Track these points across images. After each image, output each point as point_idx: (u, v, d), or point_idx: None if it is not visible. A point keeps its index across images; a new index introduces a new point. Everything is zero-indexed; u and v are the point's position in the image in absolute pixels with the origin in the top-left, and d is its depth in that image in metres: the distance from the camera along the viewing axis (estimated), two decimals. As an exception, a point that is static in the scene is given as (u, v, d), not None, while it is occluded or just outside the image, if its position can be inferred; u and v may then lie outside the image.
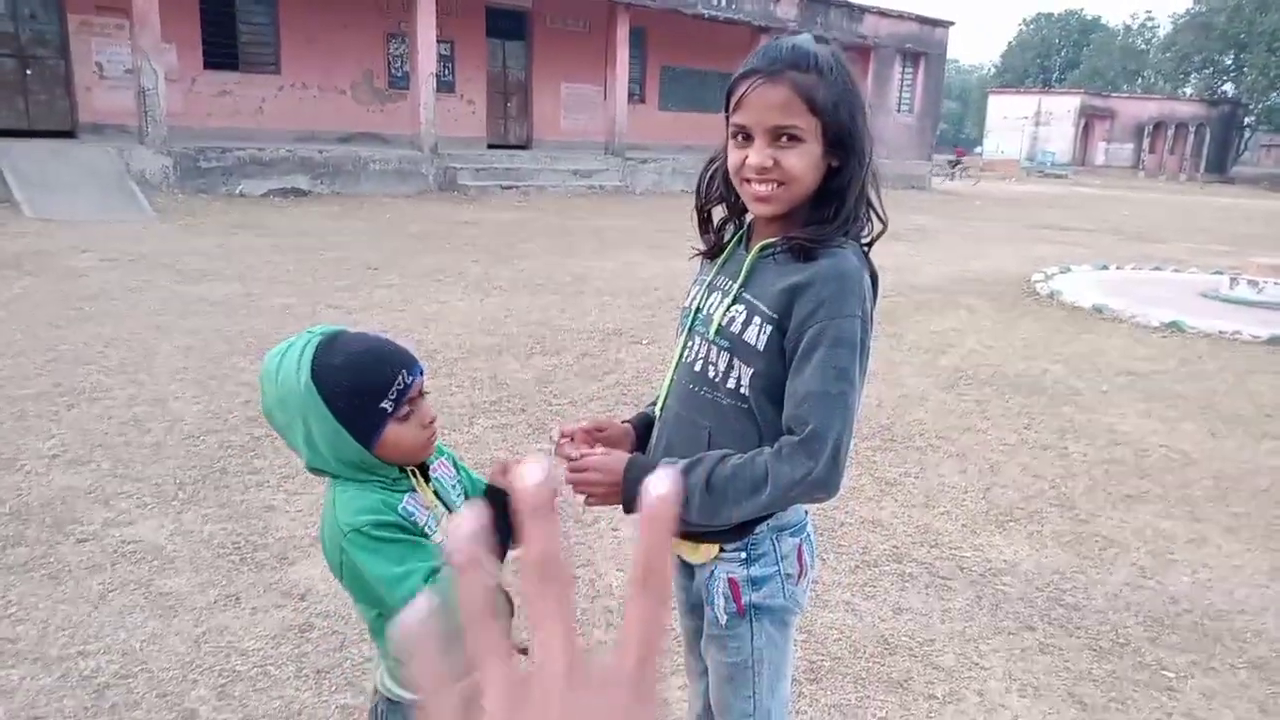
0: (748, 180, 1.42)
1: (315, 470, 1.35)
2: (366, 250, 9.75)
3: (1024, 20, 78.64)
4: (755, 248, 1.46)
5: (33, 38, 14.51)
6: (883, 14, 24.90)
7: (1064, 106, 48.94)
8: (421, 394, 1.36)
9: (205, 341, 5.80)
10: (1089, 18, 74.84)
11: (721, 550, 1.50)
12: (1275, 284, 8.96)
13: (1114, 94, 51.92)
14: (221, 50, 16.27)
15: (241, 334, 6.02)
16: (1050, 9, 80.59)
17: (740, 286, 1.45)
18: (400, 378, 1.31)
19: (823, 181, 1.41)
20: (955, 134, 73.99)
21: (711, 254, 1.59)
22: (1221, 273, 10.19)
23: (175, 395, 4.75)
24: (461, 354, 5.81)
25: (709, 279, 1.55)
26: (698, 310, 1.53)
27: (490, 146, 19.67)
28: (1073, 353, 6.76)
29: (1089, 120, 48.54)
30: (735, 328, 1.44)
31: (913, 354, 6.47)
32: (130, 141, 13.43)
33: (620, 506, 1.45)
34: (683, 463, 1.42)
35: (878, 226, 1.48)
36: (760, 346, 1.41)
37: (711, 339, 1.47)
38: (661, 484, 0.36)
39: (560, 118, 21.43)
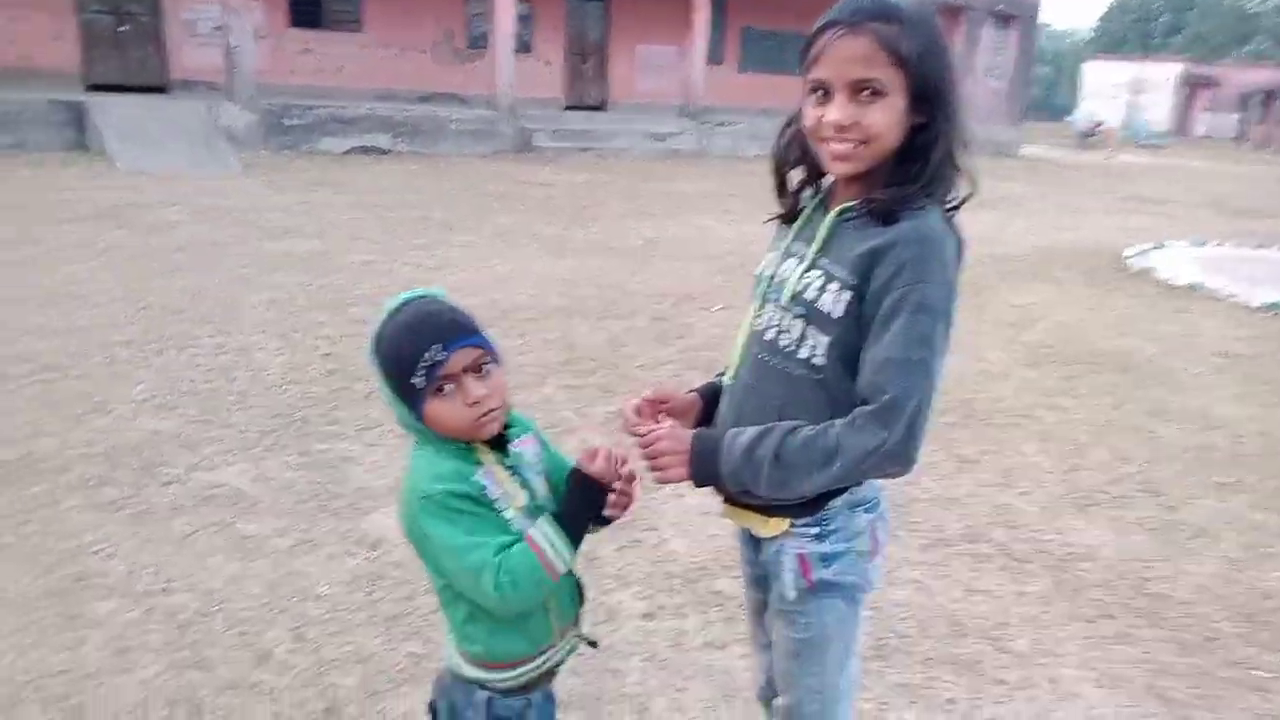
0: (825, 139, 1.35)
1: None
2: (443, 209, 9.85)
3: (1122, -17, 74.78)
4: (833, 211, 1.40)
5: (129, -6, 14.93)
6: (975, -26, 23.92)
7: (1164, 74, 46.58)
8: (473, 370, 1.27)
9: (288, 295, 5.94)
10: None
11: (792, 525, 1.45)
12: (1392, 266, 8.41)
13: (1219, 61, 49.15)
14: (306, 8, 16.52)
15: (322, 289, 6.15)
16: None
17: (817, 252, 1.39)
18: (430, 353, 1.23)
19: (906, 139, 1.34)
20: (1047, 100, 71.11)
21: (788, 218, 1.53)
22: None
23: (259, 346, 4.88)
24: (534, 315, 5.84)
25: (785, 244, 1.49)
26: (771, 277, 1.48)
27: (567, 108, 19.64)
28: (1166, 331, 6.46)
29: (1192, 89, 46.11)
30: (810, 294, 1.37)
31: (996, 327, 6.26)
32: (218, 98, 13.78)
33: (689, 482, 1.41)
34: (751, 433, 1.37)
35: (966, 189, 1.39)
36: (837, 314, 1.34)
37: (785, 306, 1.41)
38: None
39: (636, 79, 21.24)
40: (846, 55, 1.29)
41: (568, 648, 1.46)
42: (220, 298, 5.78)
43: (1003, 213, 12.75)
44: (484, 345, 1.29)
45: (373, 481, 3.38)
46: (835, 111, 1.31)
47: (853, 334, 1.34)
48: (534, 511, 1.34)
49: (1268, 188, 20.73)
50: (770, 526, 1.47)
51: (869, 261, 1.31)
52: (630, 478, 1.40)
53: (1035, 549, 3.24)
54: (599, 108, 20.48)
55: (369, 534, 3.01)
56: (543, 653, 1.41)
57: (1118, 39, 67.84)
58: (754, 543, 1.56)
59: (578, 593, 1.47)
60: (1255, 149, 40.85)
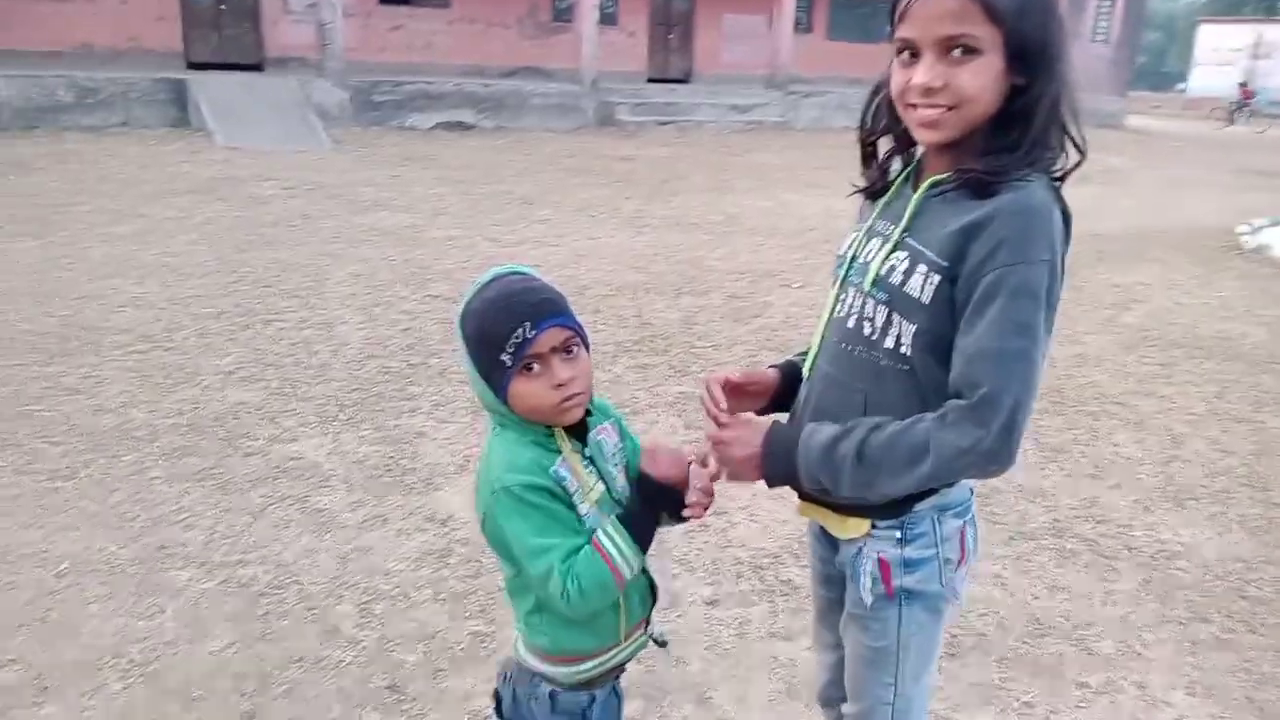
0: (912, 104, 1.22)
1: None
2: (525, 185, 9.90)
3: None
4: (923, 184, 1.27)
5: (228, -26, 15.38)
6: (1082, -67, 22.74)
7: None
8: (561, 351, 1.23)
9: (372, 269, 6.06)
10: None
11: (874, 526, 1.34)
12: None
13: (1354, 21, 45.63)
14: (393, -15, 16.73)
15: (406, 263, 6.25)
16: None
17: (903, 230, 1.26)
18: (520, 330, 1.19)
19: (1004, 103, 1.20)
20: (1155, 68, 67.39)
21: (874, 193, 1.40)
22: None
23: (342, 320, 4.99)
24: (609, 291, 5.82)
25: (868, 222, 1.36)
26: (853, 258, 1.35)
27: (650, 80, 19.48)
28: (1277, 315, 6.05)
29: (1318, 51, 42.93)
30: (895, 278, 1.24)
31: (1093, 309, 5.97)
32: (311, 74, 14.12)
33: (761, 481, 1.33)
34: (830, 430, 1.26)
35: (1074, 157, 1.24)
36: (925, 299, 1.21)
37: (867, 291, 1.29)
38: None
39: (722, 50, 20.90)
40: (935, 10, 1.17)
41: (635, 645, 1.42)
42: (308, 271, 5.93)
43: (1105, 187, 12.14)
44: (572, 326, 1.24)
45: (444, 458, 3.41)
46: (922, 73, 1.19)
47: (943, 321, 1.21)
48: (610, 505, 1.30)
49: (1403, 158, 19.22)
50: (849, 527, 1.37)
51: (962, 239, 1.18)
52: (710, 479, 1.33)
53: (1125, 545, 3.07)
54: (683, 80, 20.26)
55: (439, 510, 3.04)
56: (609, 650, 1.38)
57: (1237, 1, 63.64)
58: (829, 540, 1.46)
59: (650, 592, 1.43)
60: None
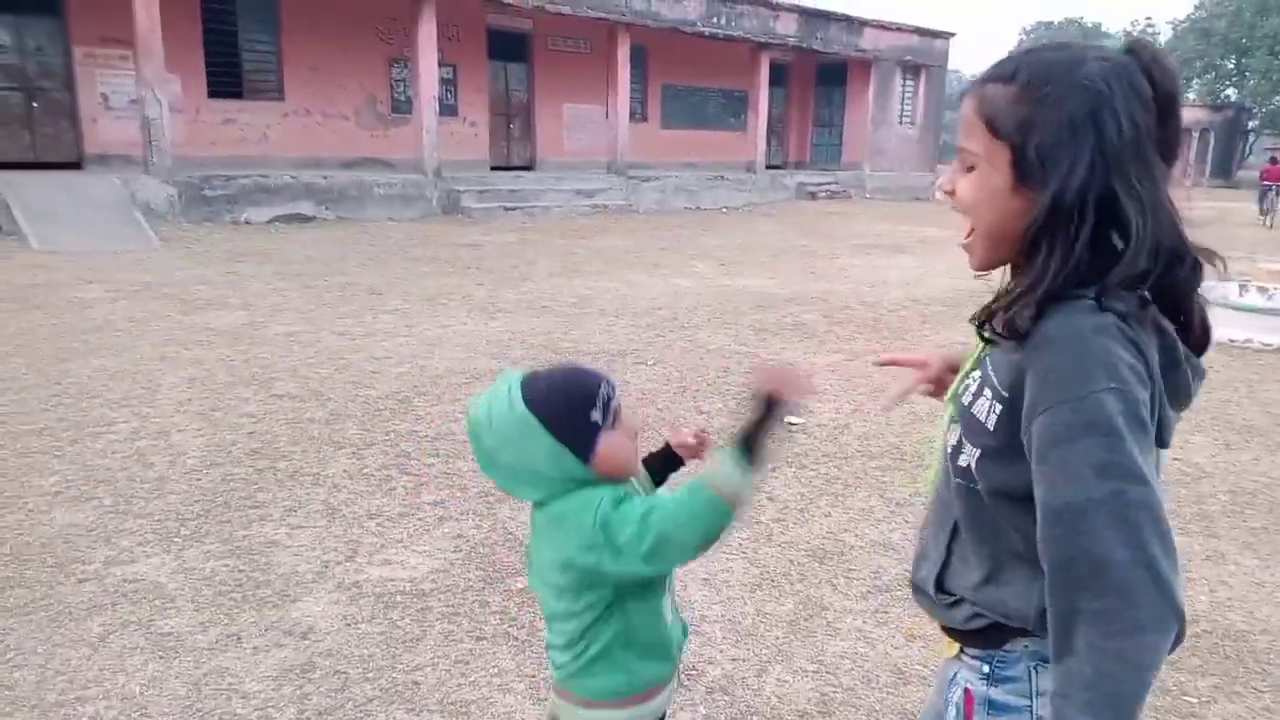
0: None
1: (542, 505, 1.42)
2: (371, 275, 9.76)
3: (1024, 29, 78.81)
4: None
5: (39, 70, 14.63)
6: (883, 27, 24.97)
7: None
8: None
9: (209, 372, 5.79)
10: (1089, 25, 74.94)
11: (962, 651, 1.22)
12: (1286, 290, 8.87)
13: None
14: (225, 79, 16.39)
15: (246, 363, 6.00)
16: (1050, 17, 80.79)
17: (983, 349, 1.21)
18: (604, 388, 1.38)
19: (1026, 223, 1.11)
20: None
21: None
22: (1230, 279, 10.09)
23: (179, 428, 4.73)
24: (465, 378, 5.79)
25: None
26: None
27: (494, 168, 19.75)
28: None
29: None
30: (967, 398, 1.18)
31: (920, 369, 6.41)
32: (136, 172, 13.51)
33: None
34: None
35: (1148, 263, 1.05)
36: (989, 424, 1.11)
37: (949, 409, 1.24)
38: None
39: (563, 138, 21.51)
40: (960, 119, 1.16)
41: (672, 687, 1.53)
42: (138, 378, 5.60)
43: (921, 257, 13.16)
44: None
45: (300, 566, 3.27)
46: (942, 177, 1.20)
47: (1006, 451, 1.10)
48: None
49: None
50: (947, 645, 1.27)
51: (1018, 370, 1.08)
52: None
53: (971, 590, 3.28)
54: (527, 167, 20.65)
55: (299, 622, 2.90)
56: (669, 680, 1.50)
57: (1020, 83, 70.93)
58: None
59: (683, 634, 1.58)
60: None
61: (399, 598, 3.07)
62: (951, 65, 28.88)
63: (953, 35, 26.97)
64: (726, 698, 2.60)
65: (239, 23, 16.52)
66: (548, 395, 1.37)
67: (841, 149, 26.10)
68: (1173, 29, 59.56)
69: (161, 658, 2.70)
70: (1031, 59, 1.10)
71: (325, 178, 15.10)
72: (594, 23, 18.96)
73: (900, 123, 26.28)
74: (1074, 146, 1.06)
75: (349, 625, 2.89)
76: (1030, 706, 1.16)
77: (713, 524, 1.33)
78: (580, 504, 1.37)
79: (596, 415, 1.36)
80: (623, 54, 19.08)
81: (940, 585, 1.24)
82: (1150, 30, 73.34)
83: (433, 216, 15.72)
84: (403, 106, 18.44)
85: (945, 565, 1.24)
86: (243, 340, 6.64)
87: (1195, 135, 46.88)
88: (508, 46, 20.08)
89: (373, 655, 2.73)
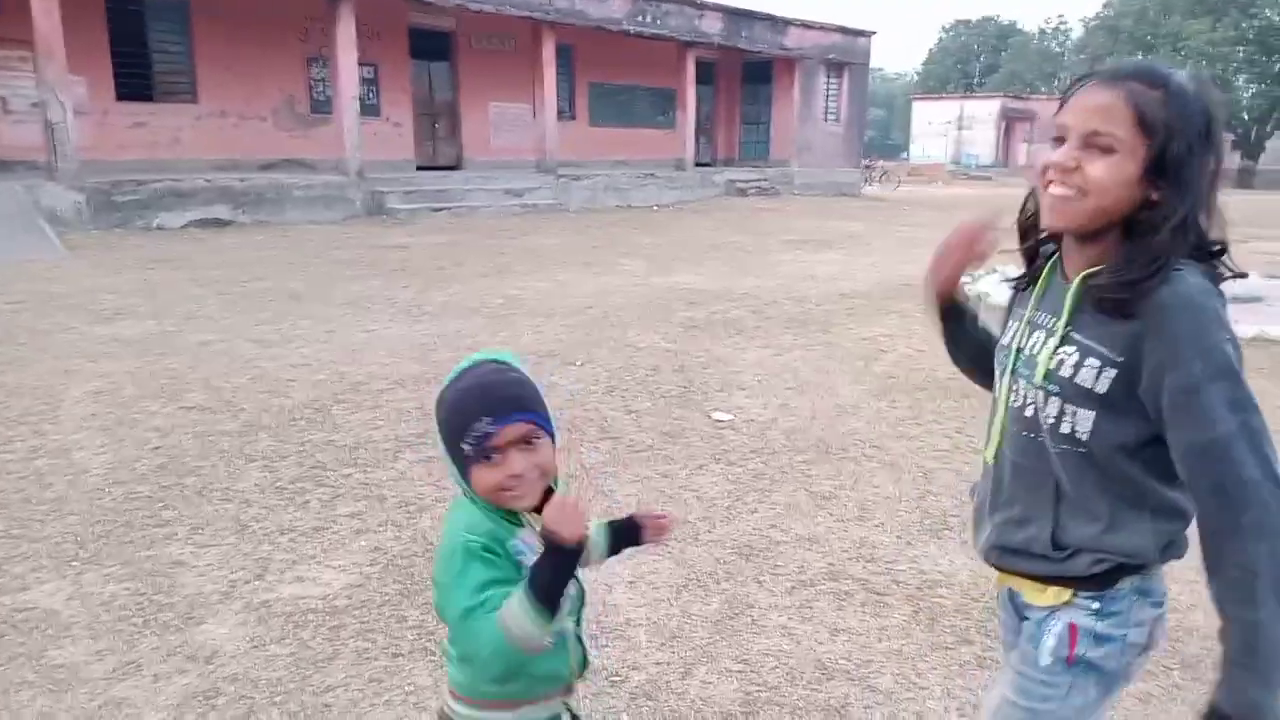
0: (1047, 182, 1.31)
1: None
2: (291, 280, 9.49)
3: (944, 28, 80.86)
4: (1076, 278, 1.34)
5: (-70, 73, 13.89)
6: (806, 26, 25.29)
7: (985, 110, 50.29)
8: (522, 443, 1.31)
9: (115, 385, 5.53)
10: (1005, 23, 77.23)
11: (1075, 595, 1.38)
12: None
13: (1033, 96, 53.49)
14: (135, 81, 15.78)
15: (154, 375, 5.76)
16: (968, 15, 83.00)
17: (1066, 325, 1.34)
18: (478, 424, 1.28)
19: (1136, 209, 1.27)
20: (882, 140, 75.51)
21: (1024, 284, 1.49)
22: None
23: (80, 445, 4.50)
24: (388, 385, 5.64)
25: (1027, 314, 1.44)
26: (1019, 350, 1.42)
27: (420, 168, 19.42)
28: (1002, 353, 6.83)
29: (1010, 122, 49.92)
30: (1066, 371, 1.32)
31: (846, 362, 6.48)
32: (40, 177, 12.91)
33: None
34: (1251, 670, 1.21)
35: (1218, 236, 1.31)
36: (1100, 389, 1.29)
37: (1038, 384, 1.36)
38: None
39: (490, 137, 21.26)
40: (1091, 104, 1.26)
41: (550, 713, 1.43)
42: (38, 393, 5.32)
43: (847, 251, 13.35)
44: (536, 421, 1.32)
45: (205, 586, 3.12)
46: (1062, 152, 1.28)
47: (1121, 409, 1.28)
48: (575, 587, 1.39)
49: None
50: (1049, 595, 1.41)
51: (1134, 337, 1.25)
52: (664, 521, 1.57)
53: (893, 580, 3.30)
54: (454, 167, 20.35)
55: (203, 646, 2.77)
56: (520, 704, 1.38)
57: (942, 80, 72.97)
58: (1016, 610, 1.51)
59: (579, 660, 1.47)
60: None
61: (310, 616, 2.96)
62: (873, 63, 29.42)
63: (874, 34, 27.44)
64: (651, 703, 2.56)
65: (147, 23, 15.94)
66: (440, 406, 1.35)
67: (770, 145, 26.35)
68: (1084, 26, 61.63)
69: (53, 691, 2.54)
70: (1167, 74, 1.26)
71: (242, 180, 14.65)
72: (518, 21, 18.77)
73: (826, 119, 26.66)
74: (1201, 157, 1.25)
75: (256, 647, 2.77)
76: (1125, 635, 1.37)
77: (510, 657, 1.27)
78: (451, 525, 1.34)
79: (466, 447, 1.30)
80: (548, 52, 18.93)
81: (1056, 543, 1.38)
82: (1063, 27, 75.87)
83: (356, 218, 15.38)
84: (322, 107, 18.00)
85: (1057, 525, 1.38)
86: (152, 351, 6.38)
87: (1107, 129, 48.44)
88: (430, 45, 19.76)
89: (281, 678, 2.61)
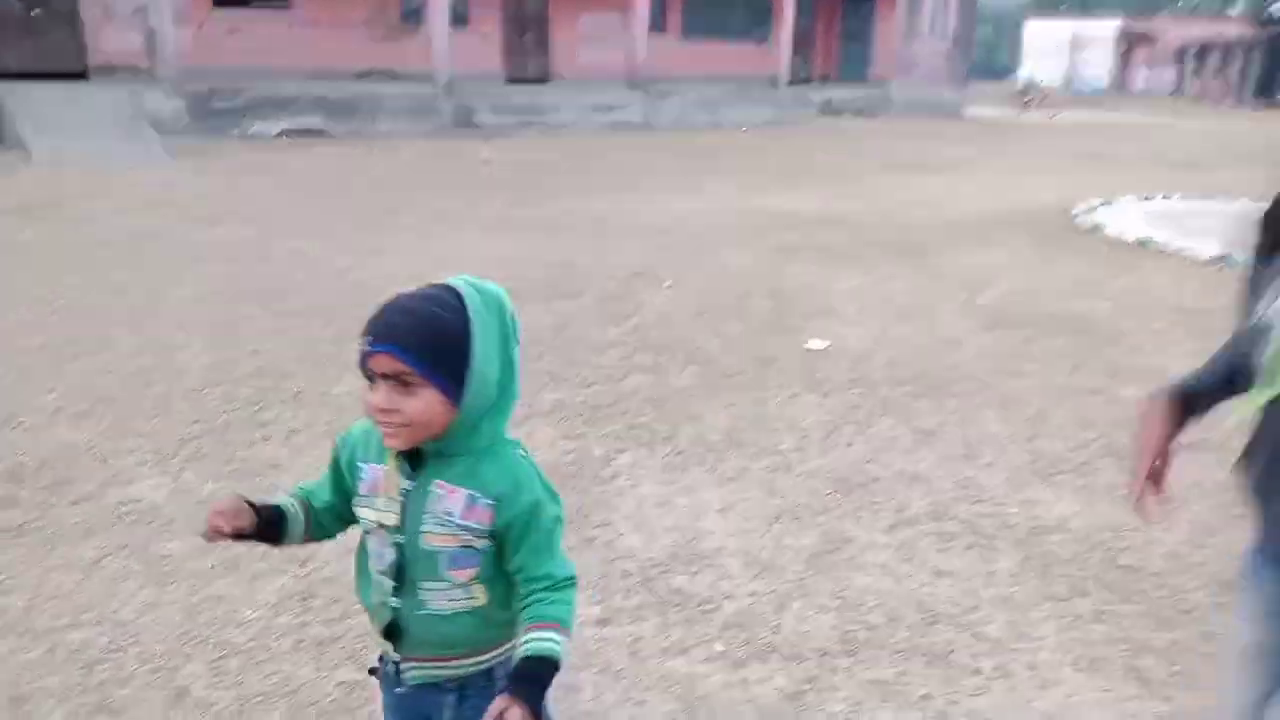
0: None
1: None
2: (381, 191, 9.51)
3: (1062, -61, 75.35)
4: None
5: (39, -24, 14.15)
6: (915, -66, 23.81)
7: (1103, 31, 47.07)
8: (393, 379, 1.17)
9: (214, 289, 5.63)
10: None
11: None
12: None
13: (1156, 15, 49.81)
14: (231, -14, 15.83)
15: (251, 280, 5.84)
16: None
17: None
18: (363, 342, 1.19)
19: None
20: (989, 61, 71.56)
21: (1266, 251, 1.43)
22: (1274, 202, 9.66)
23: (182, 345, 4.59)
24: (477, 298, 5.59)
25: None
26: None
27: (508, 81, 19.15)
28: (1119, 289, 6.42)
29: (1130, 45, 46.67)
30: None
31: (949, 294, 6.16)
32: (143, 83, 13.16)
33: None
34: None
35: None
36: None
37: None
38: None
39: (579, 50, 20.77)
40: None
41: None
42: (142, 294, 5.45)
43: (951, 176, 12.72)
44: (403, 359, 1.17)
45: (302, 489, 3.15)
46: None
47: None
48: (391, 543, 1.26)
49: (1207, 141, 21.03)
50: None
51: None
52: None
53: (1002, 524, 3.12)
54: (541, 80, 20.02)
55: (298, 550, 2.78)
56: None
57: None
58: None
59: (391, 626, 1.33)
60: (1193, 102, 41.53)
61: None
62: (986, -24, 27.63)
63: (989, -57, 25.68)
64: (744, 634, 2.47)
65: (244, -74, 15.87)
66: None
67: (869, 64, 25.17)
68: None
69: (157, 583, 2.60)
70: None
71: (335, 90, 14.69)
72: (613, -73, 18.09)
73: (930, 34, 25.26)
74: None
75: (351, 553, 2.77)
76: None
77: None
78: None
79: (357, 358, 1.22)
80: (643, -39, 18.26)
81: None
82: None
83: (445, 130, 15.31)
84: (413, 16, 17.79)
85: None
86: (249, 256, 6.47)
87: (1239, 53, 45.00)
88: (523, -47, 19.25)
89: (375, 584, 2.61)
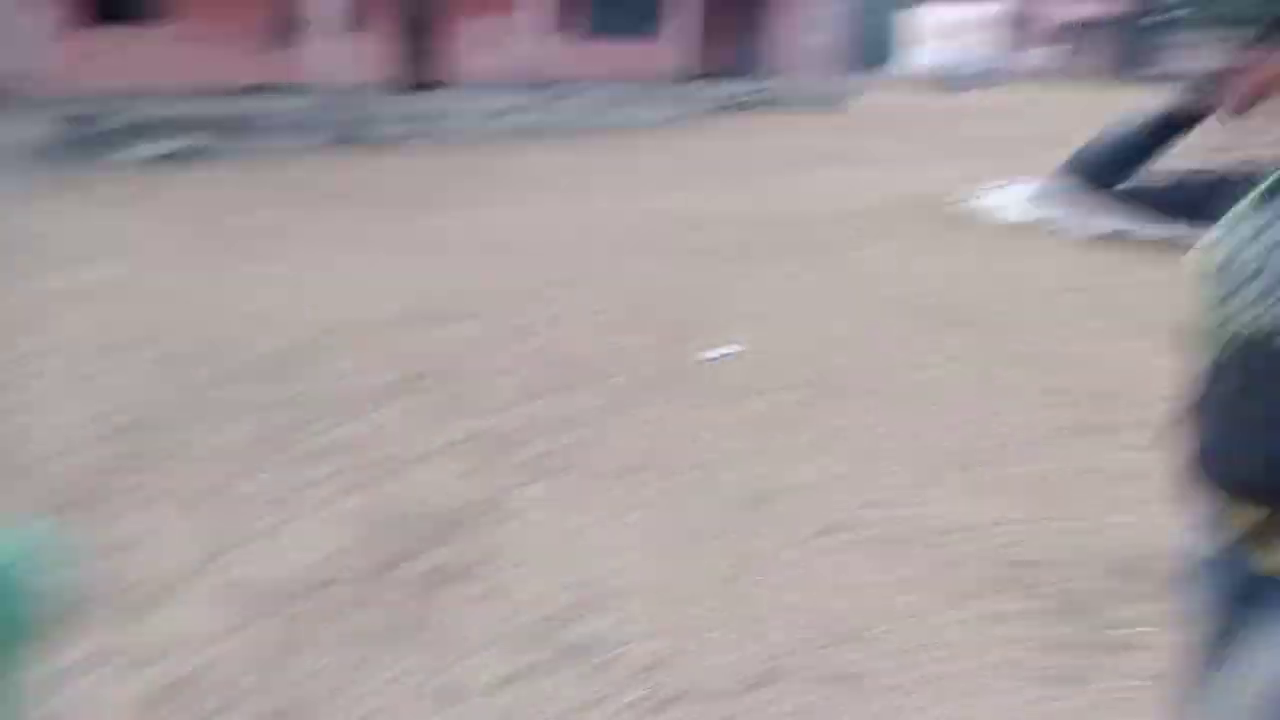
0: None
1: None
2: (268, 211, 9.10)
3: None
4: None
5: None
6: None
7: (992, 13, 48.74)
8: None
9: (81, 335, 5.24)
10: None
11: None
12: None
13: (1036, -2, 51.72)
14: (105, 2, 15.04)
15: (123, 324, 5.47)
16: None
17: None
18: None
19: None
20: (877, 49, 73.39)
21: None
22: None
23: (37, 404, 4.25)
24: (365, 329, 5.35)
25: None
26: None
27: (401, 90, 18.69)
28: (1008, 273, 6.56)
29: (1018, 26, 48.43)
30: None
31: (848, 287, 6.20)
32: (8, 106, 12.36)
33: None
34: None
35: None
36: None
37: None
38: None
39: (473, 55, 20.40)
40: None
41: None
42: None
43: (852, 168, 12.89)
44: None
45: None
46: None
47: None
48: None
49: (1093, 117, 21.87)
50: None
51: None
52: None
53: (909, 527, 3.10)
54: (434, 87, 19.61)
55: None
56: None
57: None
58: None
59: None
60: (1069, 80, 43.27)
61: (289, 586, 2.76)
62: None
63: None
64: (657, 676, 2.37)
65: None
66: None
67: (767, 58, 25.44)
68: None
69: None
70: None
71: (218, 108, 14.09)
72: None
73: (823, 27, 25.69)
74: None
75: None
76: None
77: None
78: None
79: None
80: (531, -38, 18.04)
81: None
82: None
83: (333, 143, 14.81)
84: (296, 27, 17.19)
85: None
86: (125, 297, 6.06)
87: (1109, 31, 47.15)
88: (408, -42, 18.81)
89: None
